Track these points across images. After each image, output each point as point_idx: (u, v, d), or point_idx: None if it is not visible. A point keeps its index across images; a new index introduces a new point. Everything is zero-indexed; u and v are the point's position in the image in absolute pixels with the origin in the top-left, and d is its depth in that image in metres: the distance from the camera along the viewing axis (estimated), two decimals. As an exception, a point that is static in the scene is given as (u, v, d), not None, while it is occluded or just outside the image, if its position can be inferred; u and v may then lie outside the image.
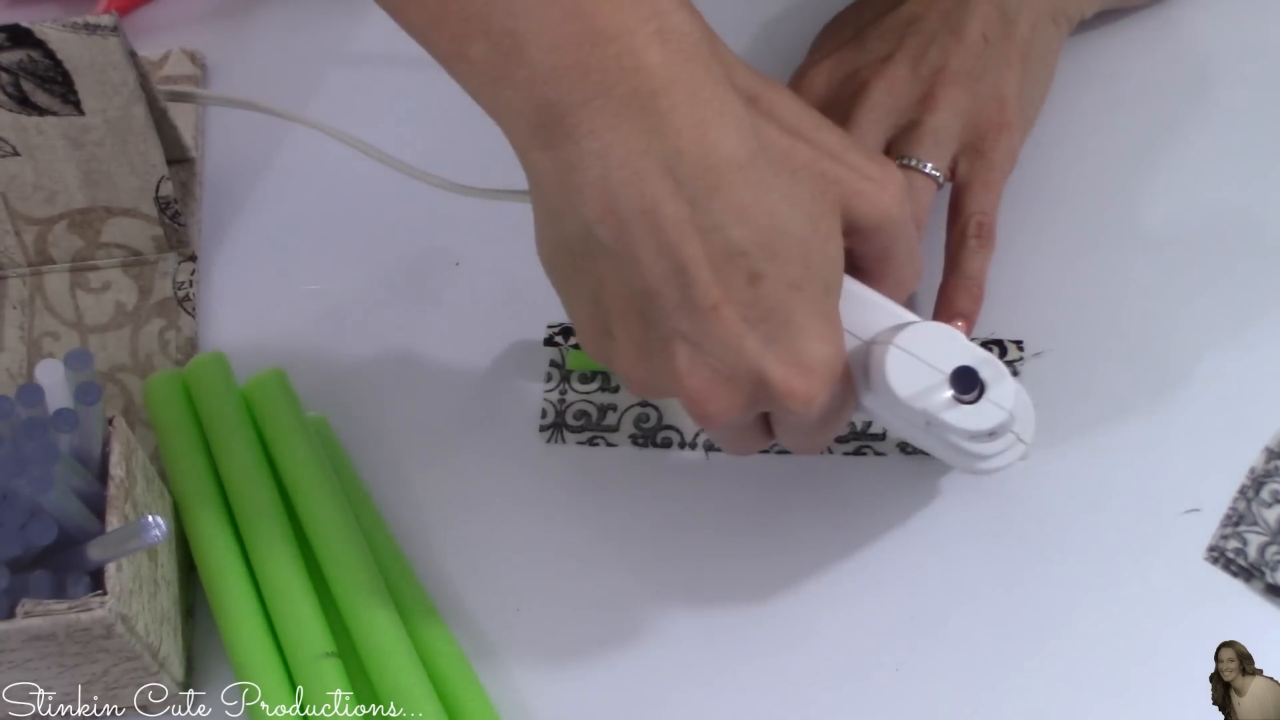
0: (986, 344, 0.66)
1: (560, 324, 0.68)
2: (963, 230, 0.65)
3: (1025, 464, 0.64)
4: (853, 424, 0.65)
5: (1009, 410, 0.55)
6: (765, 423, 0.57)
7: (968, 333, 0.65)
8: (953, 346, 0.55)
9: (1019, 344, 0.66)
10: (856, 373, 0.56)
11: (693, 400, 0.53)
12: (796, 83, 0.67)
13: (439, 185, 0.67)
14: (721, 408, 0.53)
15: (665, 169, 0.50)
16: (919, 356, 0.55)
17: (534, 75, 0.50)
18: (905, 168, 0.63)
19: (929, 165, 0.64)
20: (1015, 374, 0.66)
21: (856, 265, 0.56)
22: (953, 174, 0.65)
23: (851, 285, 0.55)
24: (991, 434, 0.56)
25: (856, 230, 0.54)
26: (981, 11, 0.66)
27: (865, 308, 0.56)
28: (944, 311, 0.65)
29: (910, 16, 0.66)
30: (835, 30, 0.70)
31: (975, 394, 0.55)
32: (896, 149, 0.64)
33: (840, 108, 0.65)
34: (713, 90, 0.50)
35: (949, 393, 0.55)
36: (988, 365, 0.55)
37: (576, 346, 0.67)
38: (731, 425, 0.54)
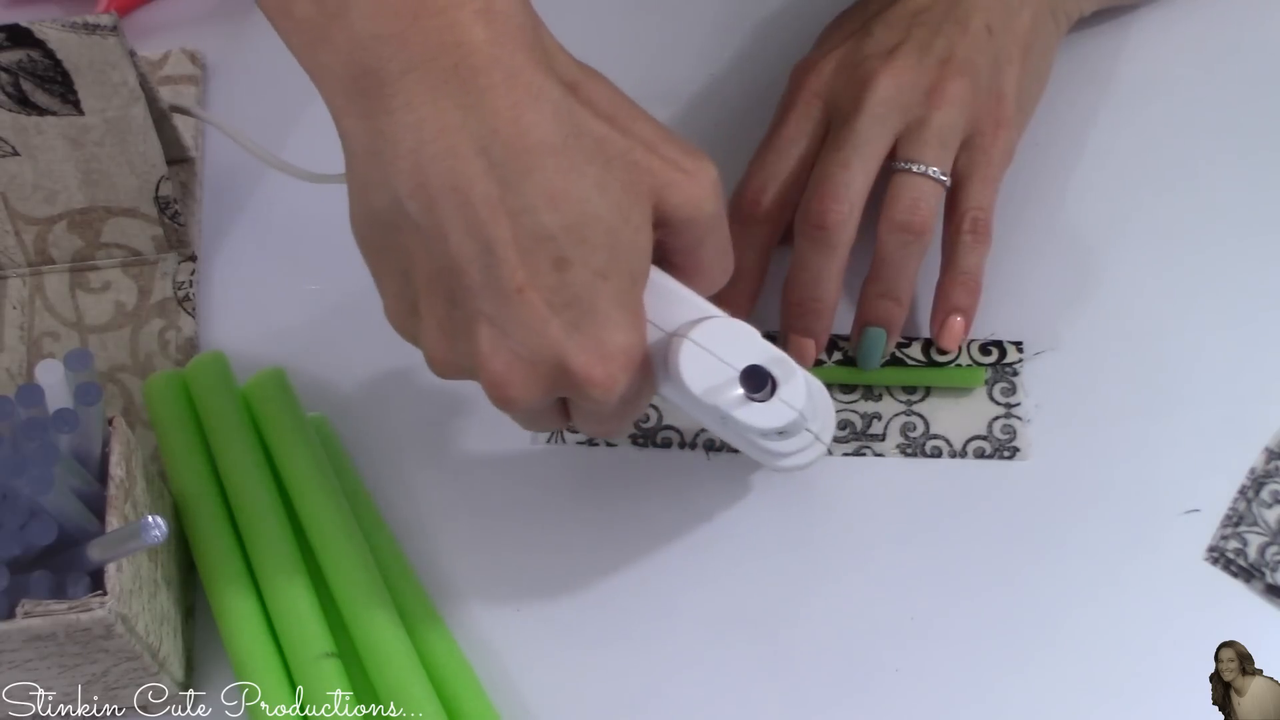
0: (986, 345, 0.66)
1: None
2: (958, 226, 0.65)
3: (1025, 464, 0.64)
4: (852, 425, 0.65)
5: (799, 410, 0.56)
6: (563, 406, 0.57)
7: (966, 328, 0.65)
8: (748, 344, 0.56)
9: (1018, 345, 0.66)
10: (657, 364, 0.56)
11: (493, 383, 0.53)
12: (803, 72, 0.67)
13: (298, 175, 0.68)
14: (521, 392, 0.53)
15: (479, 148, 0.50)
16: (713, 352, 0.55)
17: (354, 40, 0.50)
18: (912, 174, 0.63)
19: (935, 170, 0.63)
20: (1015, 373, 0.66)
21: (667, 258, 0.56)
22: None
23: (659, 277, 0.56)
24: (782, 433, 0.57)
25: (667, 222, 0.54)
26: (985, 3, 0.66)
27: (671, 300, 0.56)
28: (941, 307, 0.65)
29: (916, 8, 0.66)
30: (842, 23, 0.70)
31: (766, 392, 0.56)
32: (903, 151, 0.64)
33: (847, 97, 0.65)
34: (532, 73, 0.50)
35: (740, 390, 0.55)
36: (779, 364, 0.56)
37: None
38: (530, 409, 0.54)
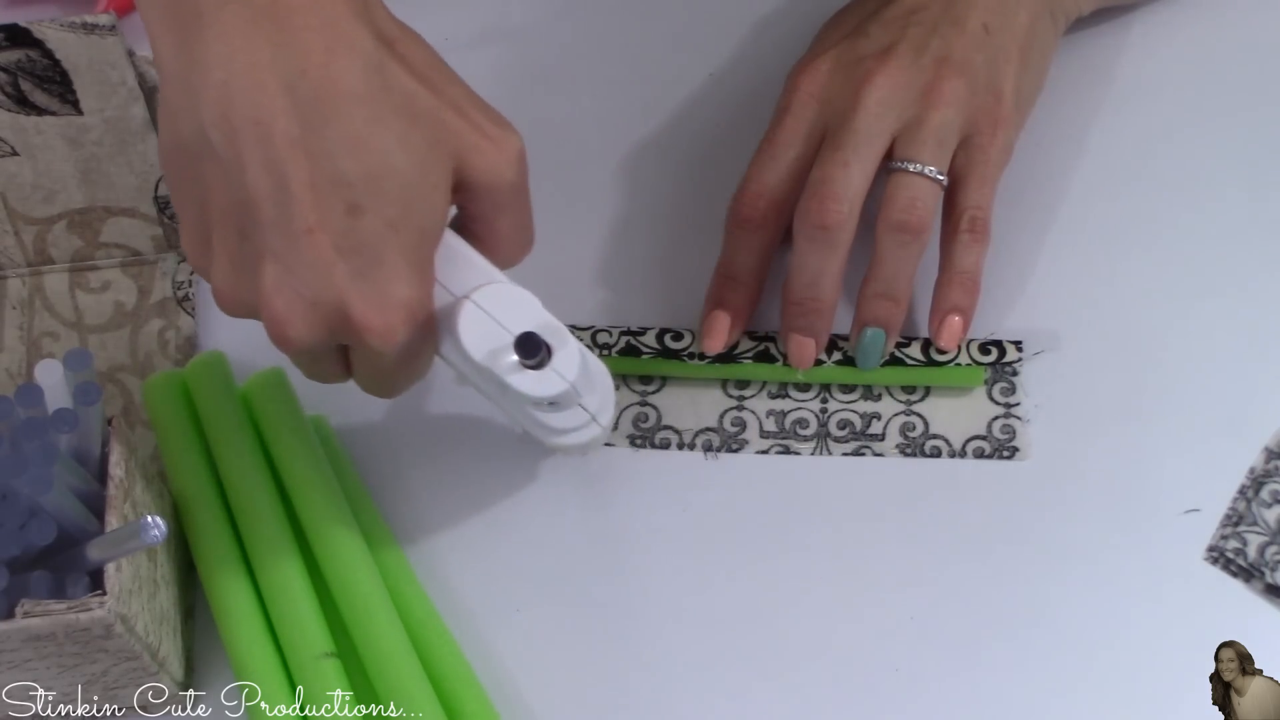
0: (986, 344, 0.66)
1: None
2: (956, 225, 0.65)
3: (1024, 464, 0.64)
4: (851, 425, 0.65)
5: (570, 382, 0.56)
6: (345, 357, 0.57)
7: (965, 327, 0.65)
8: (528, 311, 0.56)
9: (1018, 344, 0.66)
10: (443, 326, 0.56)
11: (273, 320, 0.53)
12: (800, 73, 0.67)
13: None
14: (299, 332, 0.53)
15: (286, 86, 0.50)
16: (493, 316, 0.55)
17: None
18: (909, 173, 0.63)
19: (932, 169, 0.63)
20: (1014, 373, 0.66)
21: (467, 225, 0.57)
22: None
23: (454, 241, 0.56)
24: (554, 404, 0.57)
25: (468, 187, 0.54)
26: (982, 2, 0.66)
27: (463, 265, 0.56)
28: (939, 307, 0.65)
29: (912, 7, 0.66)
30: (838, 24, 0.70)
31: (539, 360, 0.56)
32: (900, 151, 0.64)
33: (843, 98, 0.65)
34: (349, 22, 0.51)
35: (514, 356, 0.55)
36: (555, 334, 0.56)
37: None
38: (308, 352, 0.55)
